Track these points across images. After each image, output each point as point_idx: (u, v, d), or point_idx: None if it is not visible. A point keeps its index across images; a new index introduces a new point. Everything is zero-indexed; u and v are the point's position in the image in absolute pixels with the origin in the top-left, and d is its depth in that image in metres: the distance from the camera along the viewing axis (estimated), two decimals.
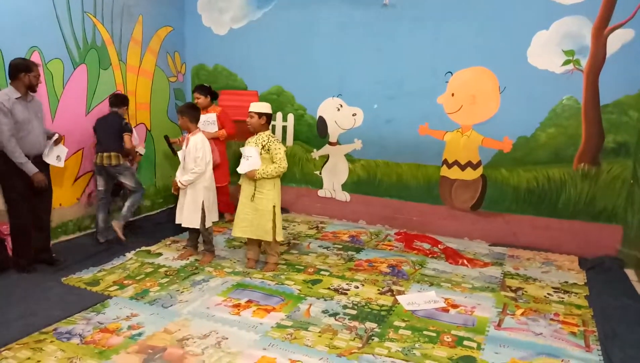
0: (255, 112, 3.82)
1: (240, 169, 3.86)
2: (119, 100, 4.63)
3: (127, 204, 4.51)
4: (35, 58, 4.18)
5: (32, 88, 3.67)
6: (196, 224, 4.08)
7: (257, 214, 3.86)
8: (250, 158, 3.79)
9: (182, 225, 4.12)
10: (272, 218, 3.84)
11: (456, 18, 4.78)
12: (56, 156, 3.93)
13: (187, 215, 4.06)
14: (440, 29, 4.86)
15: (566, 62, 4.47)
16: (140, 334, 2.93)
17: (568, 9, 4.37)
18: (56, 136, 3.91)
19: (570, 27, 4.40)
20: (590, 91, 4.42)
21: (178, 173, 4.11)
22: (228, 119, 5.13)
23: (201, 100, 4.97)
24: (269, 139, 3.82)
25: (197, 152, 3.93)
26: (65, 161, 4.05)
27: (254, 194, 3.86)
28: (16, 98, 3.57)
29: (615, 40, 4.27)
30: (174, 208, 4.24)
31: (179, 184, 4.01)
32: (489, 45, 4.69)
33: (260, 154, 3.79)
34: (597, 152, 4.48)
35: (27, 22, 4.13)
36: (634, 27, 4.17)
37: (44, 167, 3.80)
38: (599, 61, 4.35)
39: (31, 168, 3.62)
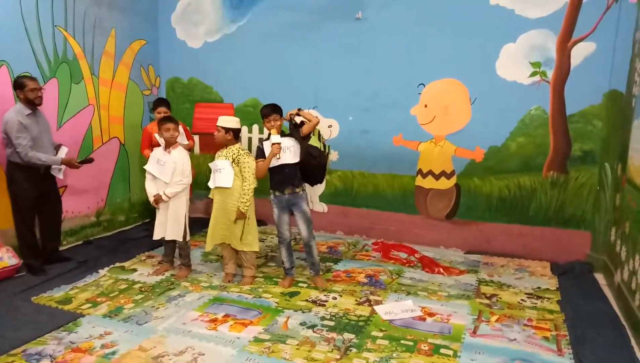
0: (222, 127, 3.81)
1: (213, 183, 3.85)
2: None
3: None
4: (3, 73, 4.11)
5: (31, 103, 3.85)
6: (179, 237, 4.05)
7: (234, 225, 3.85)
8: (223, 170, 3.78)
9: (166, 238, 4.07)
10: (247, 228, 3.87)
11: (427, 31, 4.89)
12: (58, 168, 4.11)
13: (171, 228, 4.02)
14: (412, 41, 4.97)
15: (533, 74, 4.62)
16: (114, 353, 2.86)
17: (533, 23, 4.53)
18: (66, 150, 4.18)
19: (536, 40, 4.56)
20: (556, 101, 4.58)
21: (153, 187, 4.02)
22: (187, 131, 5.21)
23: (168, 114, 4.90)
24: (238, 152, 3.82)
25: (183, 165, 3.96)
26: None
27: (227, 207, 3.84)
28: (27, 114, 3.83)
29: (579, 53, 4.44)
30: (149, 223, 4.18)
31: (164, 197, 3.95)
32: (459, 57, 4.82)
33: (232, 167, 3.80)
34: (565, 160, 4.63)
35: None
36: (595, 40, 4.35)
37: (50, 178, 4.12)
38: (564, 73, 4.52)
39: (55, 159, 3.97)
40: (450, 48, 4.83)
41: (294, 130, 3.94)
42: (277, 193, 3.86)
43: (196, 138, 6.16)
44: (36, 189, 3.98)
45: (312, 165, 3.90)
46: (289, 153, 3.80)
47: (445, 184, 5.08)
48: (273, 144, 3.71)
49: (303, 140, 3.87)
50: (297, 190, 3.85)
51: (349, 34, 5.21)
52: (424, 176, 5.15)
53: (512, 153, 4.78)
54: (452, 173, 5.04)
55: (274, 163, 3.78)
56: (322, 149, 4.02)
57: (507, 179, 4.84)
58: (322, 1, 5.28)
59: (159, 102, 5.01)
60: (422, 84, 5.02)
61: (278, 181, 3.85)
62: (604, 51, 4.33)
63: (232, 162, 3.78)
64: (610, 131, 4.39)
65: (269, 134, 3.77)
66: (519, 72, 4.65)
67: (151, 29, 5.97)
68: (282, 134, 3.81)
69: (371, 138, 5.29)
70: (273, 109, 3.83)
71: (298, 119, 3.98)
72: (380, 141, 5.25)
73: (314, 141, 4.02)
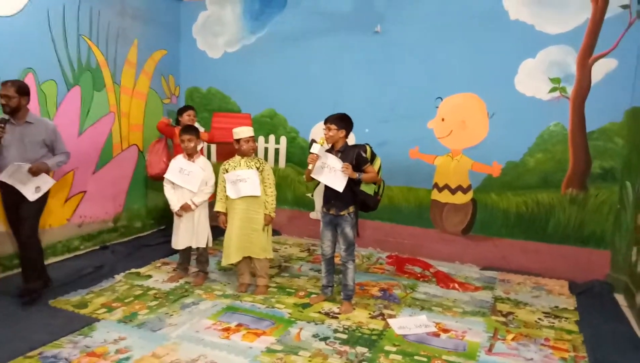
0: (251, 136, 3.89)
1: (236, 194, 3.84)
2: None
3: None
4: (29, 79, 4.21)
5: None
6: (204, 243, 4.13)
7: (256, 233, 3.90)
8: (249, 179, 3.82)
9: (193, 246, 4.12)
10: (266, 236, 3.94)
11: (446, 45, 4.90)
12: (35, 187, 3.52)
13: (200, 235, 4.10)
14: (431, 55, 4.98)
15: (553, 90, 4.58)
16: (127, 358, 2.88)
17: (553, 39, 4.51)
18: (27, 166, 3.44)
19: (555, 55, 4.53)
20: (576, 117, 4.53)
21: (175, 195, 4.05)
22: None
23: (192, 123, 5.01)
24: (260, 161, 3.93)
25: (209, 173, 4.09)
26: (47, 190, 3.64)
27: (251, 215, 3.88)
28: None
29: (600, 69, 4.39)
30: (165, 230, 4.22)
31: (193, 206, 4.01)
32: (477, 72, 4.80)
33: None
34: (584, 177, 4.55)
35: (23, 43, 4.17)
36: (617, 57, 4.30)
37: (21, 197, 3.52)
38: (584, 89, 4.47)
39: None
40: (469, 62, 4.82)
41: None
42: (324, 209, 3.72)
43: (213, 147, 6.23)
44: (9, 204, 3.64)
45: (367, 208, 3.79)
46: (333, 177, 3.50)
47: (461, 198, 5.04)
48: (310, 152, 3.50)
49: (356, 184, 3.57)
50: (342, 213, 3.61)
51: (367, 47, 5.24)
52: (440, 190, 5.12)
53: (530, 168, 4.73)
54: (469, 188, 5.00)
55: (322, 179, 3.56)
56: (370, 154, 3.67)
57: (524, 195, 4.77)
58: (341, 14, 5.33)
59: (185, 107, 5.16)
60: (440, 97, 5.01)
61: (324, 197, 3.70)
62: (626, 68, 4.28)
63: (257, 170, 3.86)
64: (632, 149, 4.31)
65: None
66: (538, 88, 4.61)
67: (173, 40, 6.08)
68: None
69: (387, 150, 5.25)
70: (329, 118, 3.57)
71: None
72: (397, 153, 5.23)
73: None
